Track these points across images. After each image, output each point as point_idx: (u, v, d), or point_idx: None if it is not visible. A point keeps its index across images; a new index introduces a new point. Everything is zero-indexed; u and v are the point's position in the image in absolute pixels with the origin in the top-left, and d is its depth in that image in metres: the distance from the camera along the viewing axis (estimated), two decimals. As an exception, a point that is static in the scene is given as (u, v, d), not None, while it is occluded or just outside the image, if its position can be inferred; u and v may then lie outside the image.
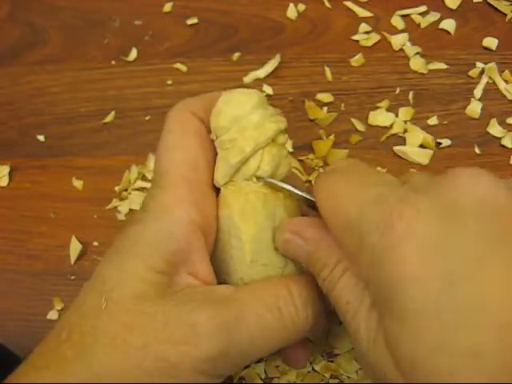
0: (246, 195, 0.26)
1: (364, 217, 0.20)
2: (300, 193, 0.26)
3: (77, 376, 0.22)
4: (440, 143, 0.40)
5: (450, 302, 0.18)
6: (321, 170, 0.40)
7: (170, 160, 0.26)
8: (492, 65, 0.42)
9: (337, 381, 0.34)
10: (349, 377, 0.34)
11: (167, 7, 0.48)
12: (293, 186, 0.27)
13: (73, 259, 0.39)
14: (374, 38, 0.44)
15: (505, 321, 0.17)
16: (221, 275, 0.27)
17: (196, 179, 0.26)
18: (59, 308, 0.37)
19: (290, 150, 0.40)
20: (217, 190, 0.27)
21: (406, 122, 0.41)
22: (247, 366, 0.34)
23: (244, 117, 0.26)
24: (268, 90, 0.43)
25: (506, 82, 0.42)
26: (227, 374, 0.24)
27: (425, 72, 0.43)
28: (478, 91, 0.41)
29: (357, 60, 0.43)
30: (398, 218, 0.19)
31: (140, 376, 0.22)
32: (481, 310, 0.17)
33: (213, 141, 0.27)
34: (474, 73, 0.42)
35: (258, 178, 0.26)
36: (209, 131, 0.27)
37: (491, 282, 0.17)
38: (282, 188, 0.26)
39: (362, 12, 0.46)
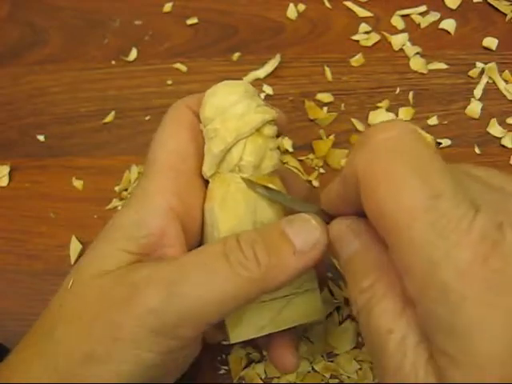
0: (227, 186, 0.26)
1: (433, 241, 0.17)
2: (284, 201, 0.25)
3: (38, 349, 0.24)
4: (440, 143, 0.40)
5: None
6: (321, 170, 0.40)
7: (160, 150, 0.27)
8: (492, 65, 0.42)
9: (337, 381, 0.34)
10: (349, 377, 0.34)
11: (167, 7, 0.48)
12: (282, 190, 0.26)
13: (73, 259, 0.38)
14: (374, 37, 0.44)
15: None
16: None
17: (183, 169, 0.26)
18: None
19: (290, 149, 0.40)
20: (207, 183, 0.27)
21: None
22: (247, 366, 0.34)
23: (228, 107, 0.26)
24: (268, 89, 0.43)
25: (506, 81, 0.42)
26: (187, 335, 0.23)
27: (425, 72, 0.43)
28: (478, 91, 0.41)
29: (357, 60, 0.43)
30: (483, 264, 0.16)
31: (91, 344, 0.23)
32: None
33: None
34: (474, 73, 0.42)
35: (243, 176, 0.26)
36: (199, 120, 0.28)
37: None
38: (267, 189, 0.26)
39: (362, 12, 0.46)
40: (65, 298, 0.25)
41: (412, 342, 0.18)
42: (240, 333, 0.25)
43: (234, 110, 0.26)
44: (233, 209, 0.25)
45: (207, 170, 0.26)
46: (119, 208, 0.40)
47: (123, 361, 0.22)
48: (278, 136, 0.28)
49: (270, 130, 0.26)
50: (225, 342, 0.33)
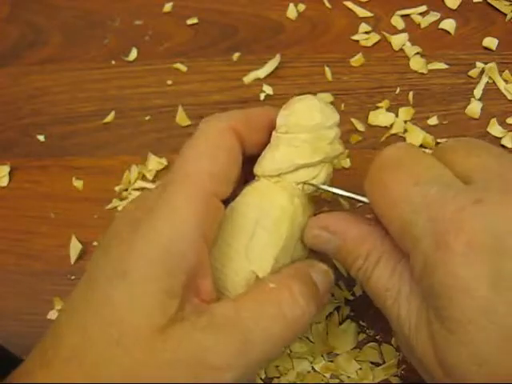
0: (293, 197, 0.27)
1: (417, 223, 0.21)
2: (353, 196, 0.27)
3: None
4: (440, 143, 0.40)
5: (493, 323, 0.19)
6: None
7: (193, 167, 0.24)
8: (492, 65, 0.42)
9: (337, 381, 0.34)
10: (349, 377, 0.34)
11: (167, 7, 0.48)
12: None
13: (73, 259, 0.39)
14: (374, 38, 0.44)
15: None
16: (220, 262, 0.26)
17: (212, 191, 0.24)
18: (59, 308, 0.37)
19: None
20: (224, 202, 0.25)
21: (406, 122, 0.41)
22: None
23: (324, 128, 0.27)
24: (268, 89, 0.43)
25: (506, 81, 0.42)
26: None
27: (425, 72, 0.43)
28: (478, 91, 0.41)
29: (357, 60, 0.43)
30: (455, 237, 0.20)
31: None
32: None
33: (271, 135, 0.28)
34: (474, 73, 0.42)
35: (306, 185, 0.27)
36: (242, 145, 0.26)
37: None
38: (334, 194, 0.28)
39: (362, 12, 0.46)
40: (113, 352, 0.22)
41: (405, 293, 0.23)
42: None
43: (328, 132, 0.27)
44: (291, 220, 0.26)
45: (268, 170, 0.27)
46: (119, 208, 0.40)
47: None
48: None
49: (337, 162, 0.29)
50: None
